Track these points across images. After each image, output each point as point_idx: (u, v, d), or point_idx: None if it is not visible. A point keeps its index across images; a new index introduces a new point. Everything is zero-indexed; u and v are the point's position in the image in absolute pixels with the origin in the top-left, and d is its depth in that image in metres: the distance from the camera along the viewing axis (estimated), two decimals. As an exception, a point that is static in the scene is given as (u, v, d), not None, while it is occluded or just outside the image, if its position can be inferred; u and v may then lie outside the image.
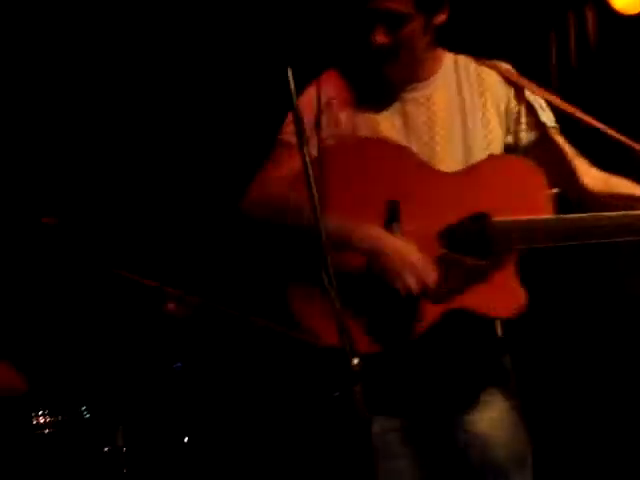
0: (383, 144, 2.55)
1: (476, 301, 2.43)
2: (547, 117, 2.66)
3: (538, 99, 2.65)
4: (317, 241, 1.92)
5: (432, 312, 2.41)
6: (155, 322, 3.32)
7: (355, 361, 1.78)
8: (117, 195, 4.31)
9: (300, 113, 2.02)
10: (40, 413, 3.16)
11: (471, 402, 2.53)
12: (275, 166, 2.58)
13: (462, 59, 2.68)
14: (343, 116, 2.59)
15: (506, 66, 2.68)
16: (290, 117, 2.54)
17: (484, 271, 2.44)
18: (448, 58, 2.67)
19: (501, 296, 2.44)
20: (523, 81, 2.66)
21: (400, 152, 2.53)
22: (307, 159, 1.95)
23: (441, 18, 2.53)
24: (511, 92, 2.64)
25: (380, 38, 2.47)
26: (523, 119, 2.64)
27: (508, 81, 2.64)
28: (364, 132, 2.57)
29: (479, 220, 2.46)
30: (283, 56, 1.98)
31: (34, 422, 3.14)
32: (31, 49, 4.19)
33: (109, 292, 3.77)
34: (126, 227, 4.24)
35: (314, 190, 1.93)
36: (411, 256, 2.39)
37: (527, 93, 2.65)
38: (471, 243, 2.46)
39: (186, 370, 3.55)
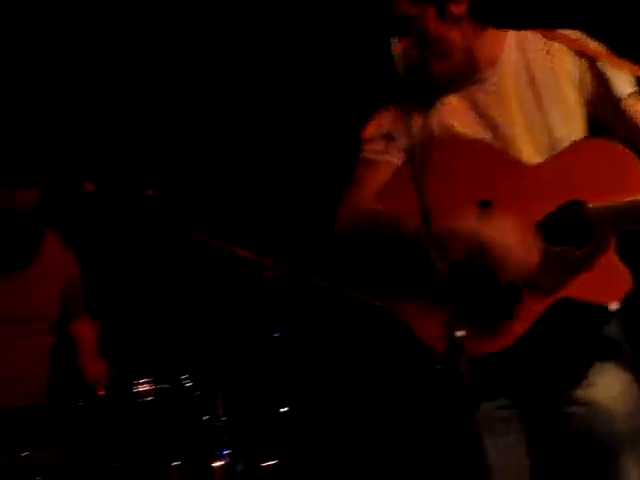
0: (462, 142, 2.46)
1: (583, 290, 2.34)
2: (623, 86, 2.47)
3: (612, 68, 2.51)
4: (420, 246, 1.89)
5: (537, 307, 2.36)
6: (254, 292, 3.35)
7: (459, 333, 1.75)
8: (214, 168, 4.37)
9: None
10: (142, 381, 3.21)
11: (587, 376, 2.47)
12: (359, 185, 2.54)
13: (527, 36, 2.52)
14: (415, 127, 2.51)
15: (576, 35, 2.50)
16: (367, 135, 2.56)
17: (588, 259, 2.37)
18: (511, 38, 2.51)
19: (607, 280, 2.36)
20: (596, 49, 2.51)
21: (480, 147, 2.44)
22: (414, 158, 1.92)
23: None
24: (583, 64, 2.47)
25: (403, 46, 2.38)
26: (598, 91, 2.48)
27: (579, 53, 2.47)
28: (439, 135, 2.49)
29: (575, 208, 2.38)
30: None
31: (136, 390, 3.19)
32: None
33: (208, 263, 3.81)
34: (224, 199, 4.28)
35: (420, 185, 1.90)
36: (514, 248, 2.33)
37: (600, 64, 2.47)
38: (570, 232, 2.39)
39: (285, 339, 3.56)
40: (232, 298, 4.07)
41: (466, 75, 2.49)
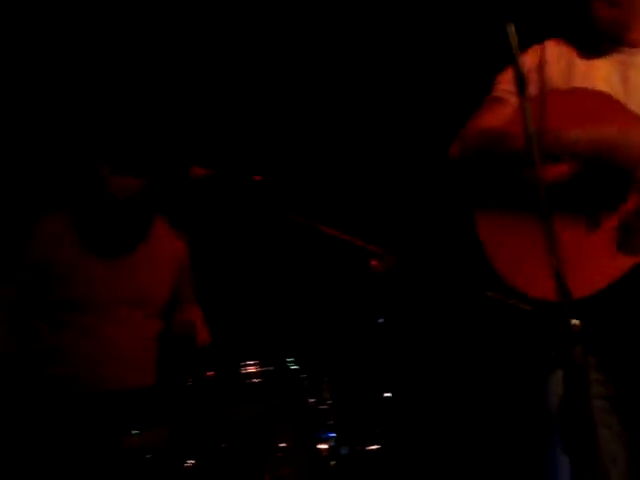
0: (602, 96, 2.48)
1: None
2: None
3: None
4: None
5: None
6: (360, 278, 3.36)
7: (575, 322, 1.74)
8: (326, 154, 4.39)
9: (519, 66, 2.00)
10: (249, 363, 3.25)
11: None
12: (483, 116, 2.63)
13: None
14: (556, 72, 2.56)
15: None
16: (501, 78, 2.63)
17: None
18: None
19: None
20: None
21: (617, 106, 2.45)
22: (526, 105, 1.92)
23: None
24: None
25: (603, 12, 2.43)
26: None
27: None
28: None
29: None
30: (503, 13, 1.95)
31: (243, 371, 3.24)
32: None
33: (316, 248, 3.84)
34: (334, 186, 4.30)
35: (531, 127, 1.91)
36: None
37: None
38: None
39: (388, 325, 3.57)
40: (339, 284, 4.09)
41: (625, 44, 2.56)
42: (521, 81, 1.95)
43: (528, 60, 2.54)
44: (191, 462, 3.08)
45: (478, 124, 2.61)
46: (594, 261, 2.35)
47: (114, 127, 3.84)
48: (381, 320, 3.57)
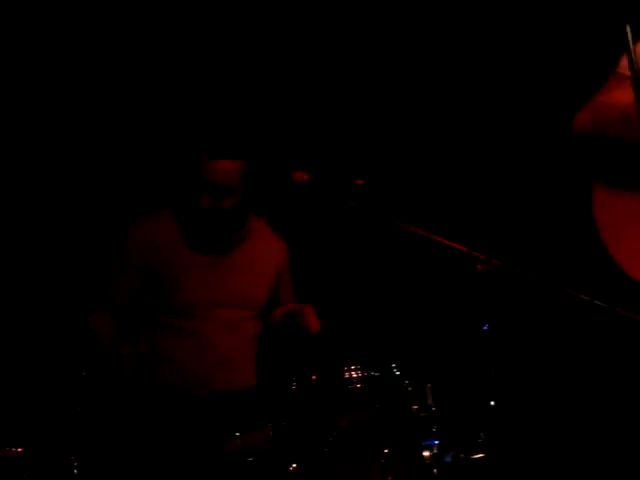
0: None
1: None
2: None
3: None
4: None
5: None
6: (464, 284, 3.34)
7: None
8: (427, 159, 4.36)
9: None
10: (352, 368, 3.24)
11: None
12: (606, 93, 2.66)
13: None
14: None
15: None
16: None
17: None
18: None
19: None
20: None
21: None
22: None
23: None
24: None
25: None
26: None
27: None
28: None
29: None
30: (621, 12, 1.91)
31: (347, 376, 3.23)
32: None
33: (419, 254, 3.82)
34: (437, 191, 4.28)
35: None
36: None
37: None
38: None
39: (493, 332, 3.53)
40: (443, 289, 4.06)
41: None
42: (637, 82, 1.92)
43: None
44: (294, 466, 3.08)
45: (608, 99, 2.60)
46: None
47: (211, 114, 3.85)
48: (485, 326, 3.53)
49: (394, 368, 3.24)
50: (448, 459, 3.20)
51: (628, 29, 1.90)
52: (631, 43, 1.93)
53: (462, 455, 3.25)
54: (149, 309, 3.56)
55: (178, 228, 3.58)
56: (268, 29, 4.41)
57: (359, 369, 3.23)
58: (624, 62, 2.61)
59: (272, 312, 3.64)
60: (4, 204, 4.31)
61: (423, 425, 3.18)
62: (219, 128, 3.57)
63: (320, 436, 3.11)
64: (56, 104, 4.33)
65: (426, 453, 3.16)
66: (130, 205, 4.16)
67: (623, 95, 2.57)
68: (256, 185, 3.53)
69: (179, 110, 4.40)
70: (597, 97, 2.69)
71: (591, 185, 2.61)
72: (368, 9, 4.42)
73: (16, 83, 4.25)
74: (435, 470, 3.14)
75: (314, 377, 3.22)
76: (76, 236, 4.36)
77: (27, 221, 4.33)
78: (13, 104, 4.27)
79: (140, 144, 4.42)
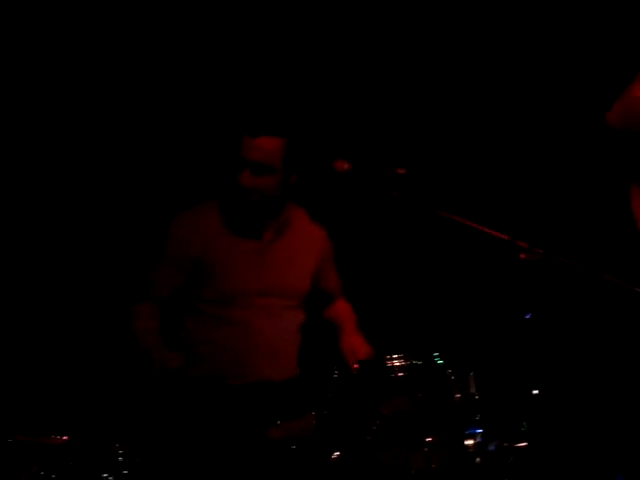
0: None
1: None
2: None
3: None
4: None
5: None
6: (508, 274, 3.33)
7: None
8: (469, 148, 4.35)
9: None
10: (395, 357, 3.24)
11: None
12: (638, 88, 2.67)
13: None
14: None
15: None
16: None
17: None
18: None
19: None
20: None
21: None
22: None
23: None
24: None
25: None
26: None
27: None
28: None
29: None
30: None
31: (389, 365, 3.23)
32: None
33: (462, 243, 3.81)
34: (479, 180, 4.27)
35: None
36: None
37: None
38: None
39: (536, 321, 3.51)
40: (485, 278, 4.05)
41: None
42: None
43: None
44: (337, 454, 3.09)
45: (636, 99, 2.61)
46: None
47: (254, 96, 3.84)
48: (528, 315, 3.51)
49: (437, 357, 3.24)
50: (491, 448, 3.19)
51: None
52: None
53: (505, 444, 3.23)
54: (193, 299, 3.59)
55: (221, 218, 3.60)
56: (318, 17, 4.43)
57: (402, 358, 3.23)
58: None
59: (336, 323, 3.66)
60: (46, 196, 4.36)
61: (466, 413, 3.17)
62: (260, 108, 3.58)
63: (363, 424, 3.12)
64: (89, 97, 4.37)
65: (469, 442, 3.15)
66: (176, 196, 4.19)
67: None
68: (297, 168, 3.53)
69: (223, 94, 4.42)
70: (628, 92, 2.68)
71: (629, 181, 2.62)
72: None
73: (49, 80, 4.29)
74: (478, 459, 3.13)
75: (356, 366, 3.22)
76: (121, 228, 4.40)
77: (77, 213, 4.38)
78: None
79: (185, 132, 4.45)
